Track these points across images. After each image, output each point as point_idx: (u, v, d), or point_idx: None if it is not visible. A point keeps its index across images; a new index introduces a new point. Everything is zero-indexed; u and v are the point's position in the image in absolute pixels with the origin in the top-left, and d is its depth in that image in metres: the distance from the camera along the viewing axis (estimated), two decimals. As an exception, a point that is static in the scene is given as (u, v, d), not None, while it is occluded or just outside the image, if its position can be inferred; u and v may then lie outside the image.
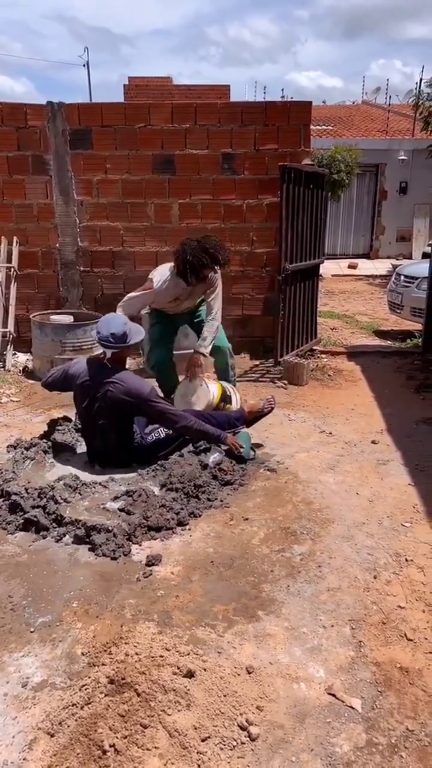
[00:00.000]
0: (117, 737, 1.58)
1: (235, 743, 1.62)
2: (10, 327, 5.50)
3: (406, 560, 2.47)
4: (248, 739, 1.63)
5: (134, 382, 3.15)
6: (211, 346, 3.87)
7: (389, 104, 18.81)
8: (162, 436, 3.32)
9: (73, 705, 1.69)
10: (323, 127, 16.57)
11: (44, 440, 3.38)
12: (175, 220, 5.62)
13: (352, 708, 1.76)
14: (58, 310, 5.59)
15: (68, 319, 5.26)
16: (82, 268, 5.75)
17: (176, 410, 3.23)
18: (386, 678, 1.88)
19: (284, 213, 4.88)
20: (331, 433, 3.85)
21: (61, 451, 3.34)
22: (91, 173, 5.54)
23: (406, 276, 7.00)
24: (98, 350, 4.22)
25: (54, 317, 5.26)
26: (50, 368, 5.00)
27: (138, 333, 3.23)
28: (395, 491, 3.07)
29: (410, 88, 18.30)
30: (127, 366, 3.34)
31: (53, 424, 3.56)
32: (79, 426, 3.46)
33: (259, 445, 3.59)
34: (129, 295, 3.89)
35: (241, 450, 3.26)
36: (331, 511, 2.85)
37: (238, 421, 3.48)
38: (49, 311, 5.54)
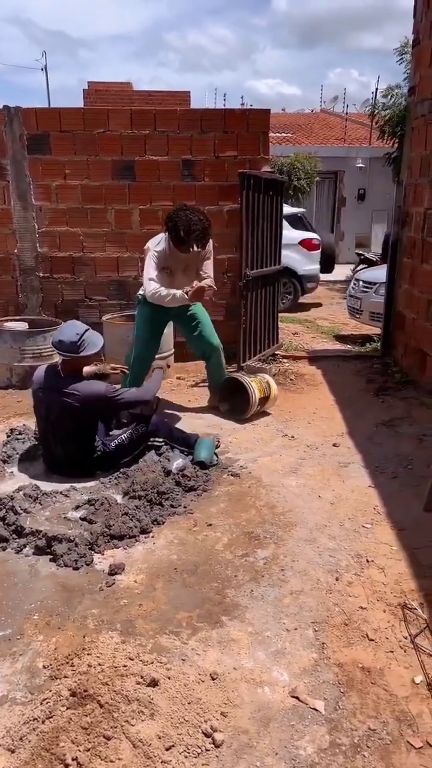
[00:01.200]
0: (80, 750, 1.55)
1: (199, 750, 1.61)
2: (-32, 334, 5.38)
3: (367, 561, 2.51)
4: (213, 745, 1.63)
5: (87, 388, 3.12)
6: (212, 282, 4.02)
7: (347, 113, 19.18)
8: (125, 441, 3.29)
9: (34, 719, 1.66)
10: (283, 134, 16.79)
11: (3, 449, 3.32)
12: (135, 226, 5.60)
13: (316, 710, 1.77)
14: (17, 317, 5.50)
15: (22, 326, 5.18)
16: (41, 274, 5.67)
17: (137, 390, 3.33)
18: (349, 679, 1.90)
19: (244, 219, 4.92)
20: (293, 437, 3.88)
21: (21, 461, 3.29)
22: (50, 178, 5.47)
23: (364, 281, 7.13)
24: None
25: (7, 324, 5.15)
26: (9, 376, 4.93)
27: (93, 345, 3.15)
28: (356, 493, 3.11)
29: (367, 98, 18.73)
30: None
31: (12, 433, 3.50)
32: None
33: (222, 450, 3.60)
34: (145, 275, 3.87)
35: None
36: (293, 515, 2.87)
37: (190, 439, 3.50)
38: (7, 318, 5.44)
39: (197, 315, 4.20)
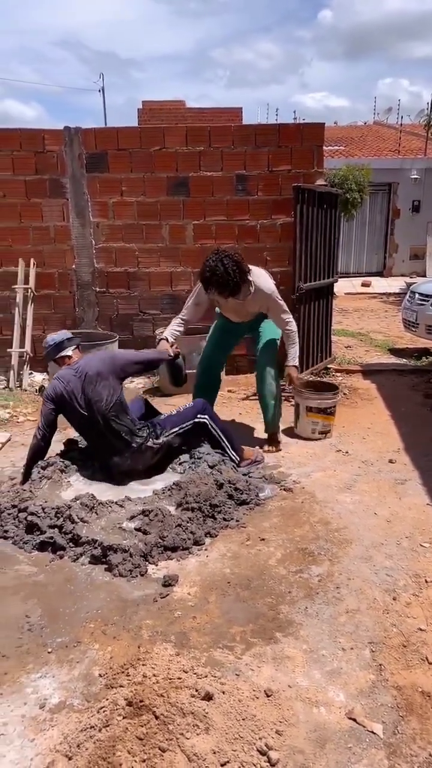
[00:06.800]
0: (135, 761, 1.56)
1: (254, 768, 1.59)
2: (27, 347, 5.57)
3: (426, 581, 2.43)
4: (268, 764, 1.60)
5: (95, 358, 3.35)
6: (297, 357, 3.88)
7: (401, 124, 18.94)
8: (175, 432, 3.33)
9: (91, 727, 1.68)
10: (335, 147, 16.72)
11: (60, 459, 3.39)
12: (189, 240, 5.68)
13: (374, 733, 1.73)
14: (74, 331, 5.63)
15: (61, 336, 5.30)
16: (97, 289, 5.82)
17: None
18: (408, 702, 1.84)
19: (298, 233, 4.92)
20: (347, 452, 3.82)
21: (78, 470, 3.35)
22: (107, 196, 5.63)
23: (420, 294, 6.98)
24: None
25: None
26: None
27: (55, 346, 3.40)
28: (413, 511, 3.04)
29: (421, 108, 18.47)
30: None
31: (69, 444, 3.58)
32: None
33: (275, 465, 3.58)
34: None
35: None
36: (348, 532, 2.82)
37: (237, 451, 3.48)
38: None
39: (263, 333, 3.93)
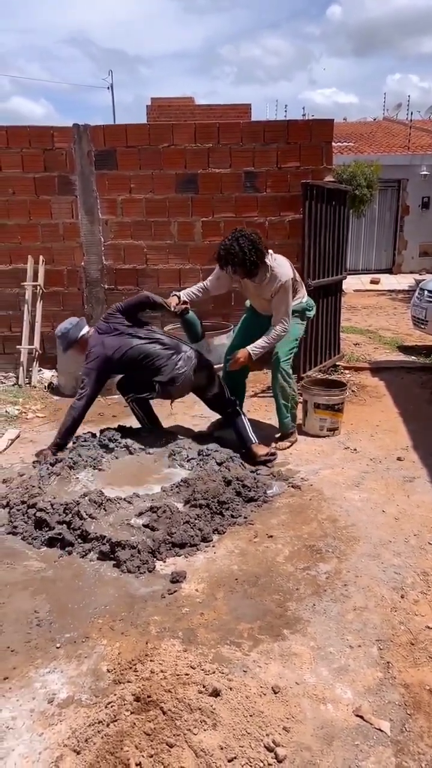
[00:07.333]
0: (143, 756, 1.57)
1: (261, 765, 1.60)
2: (36, 344, 5.59)
3: (434, 579, 2.42)
4: (275, 760, 1.61)
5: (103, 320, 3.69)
6: (261, 352, 3.67)
7: (411, 120, 18.81)
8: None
9: (99, 722, 1.69)
10: (344, 143, 16.63)
11: (69, 456, 3.41)
12: (198, 237, 5.67)
13: (381, 731, 1.73)
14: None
15: (73, 319, 5.34)
16: (106, 286, 5.83)
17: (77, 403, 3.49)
18: (415, 700, 1.84)
19: (306, 230, 4.90)
20: (355, 450, 3.81)
21: (86, 467, 3.37)
22: (116, 193, 5.63)
23: (429, 291, 6.93)
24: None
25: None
26: (75, 384, 5.06)
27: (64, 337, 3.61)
28: (422, 509, 3.02)
29: (431, 104, 18.28)
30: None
31: (78, 440, 3.59)
32: (109, 436, 3.59)
33: (283, 462, 3.58)
34: None
35: None
36: (356, 529, 2.82)
37: (246, 442, 3.63)
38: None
39: None
